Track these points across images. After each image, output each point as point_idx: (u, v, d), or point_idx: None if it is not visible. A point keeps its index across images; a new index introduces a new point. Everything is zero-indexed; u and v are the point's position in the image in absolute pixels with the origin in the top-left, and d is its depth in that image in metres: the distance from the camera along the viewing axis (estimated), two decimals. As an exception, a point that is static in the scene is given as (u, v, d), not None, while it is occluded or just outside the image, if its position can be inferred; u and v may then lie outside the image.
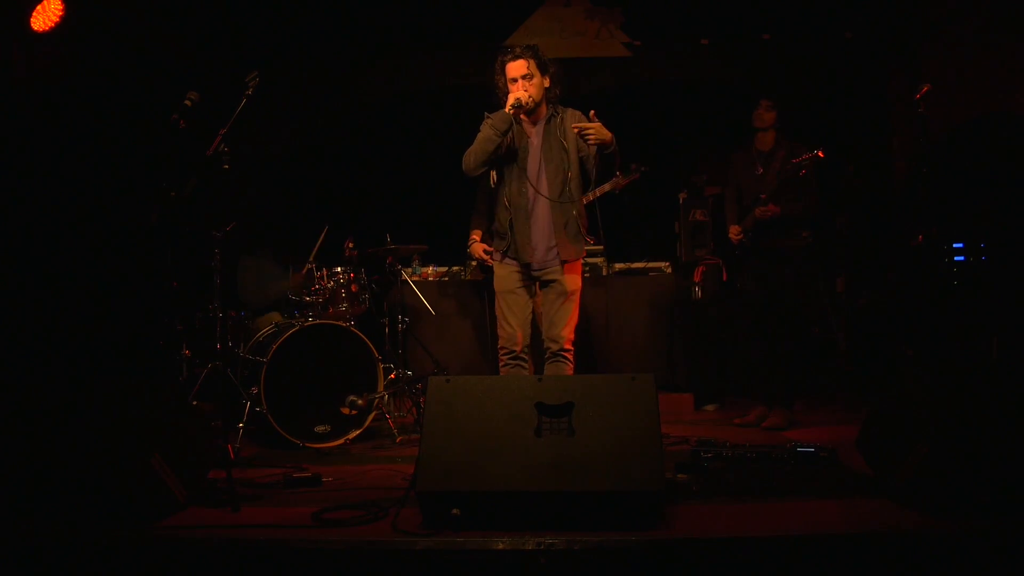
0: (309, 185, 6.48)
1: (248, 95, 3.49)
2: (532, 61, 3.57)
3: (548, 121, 3.65)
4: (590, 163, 3.63)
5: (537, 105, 3.61)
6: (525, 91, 3.54)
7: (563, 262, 3.63)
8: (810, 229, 4.52)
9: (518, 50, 3.59)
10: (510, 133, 3.59)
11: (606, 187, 4.77)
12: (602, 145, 3.49)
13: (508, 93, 3.58)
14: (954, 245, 4.78)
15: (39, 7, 4.30)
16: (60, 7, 4.35)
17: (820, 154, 4.16)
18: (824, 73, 6.16)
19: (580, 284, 3.70)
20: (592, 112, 3.53)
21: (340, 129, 6.56)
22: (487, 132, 3.53)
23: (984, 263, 4.69)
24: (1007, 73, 5.03)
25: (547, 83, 3.63)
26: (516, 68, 3.57)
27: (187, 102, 3.45)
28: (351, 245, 4.96)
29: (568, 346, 3.65)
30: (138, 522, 2.54)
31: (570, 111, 3.67)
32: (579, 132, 3.47)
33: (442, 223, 5.90)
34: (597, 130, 3.44)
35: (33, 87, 4.47)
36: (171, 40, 5.48)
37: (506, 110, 3.51)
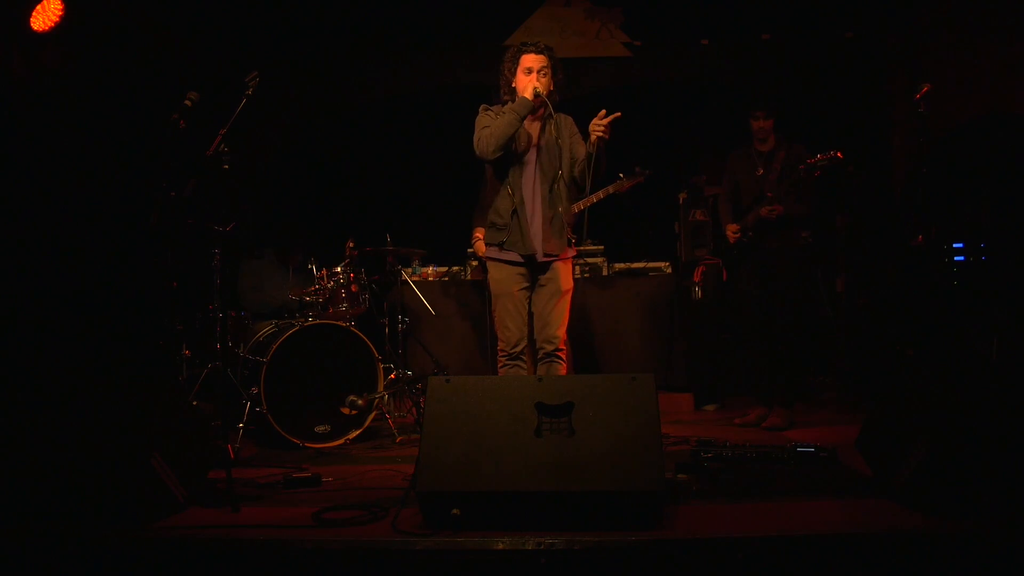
0: (309, 185, 6.48)
1: (248, 95, 3.49)
2: (549, 60, 3.67)
3: (546, 120, 3.73)
4: (578, 168, 3.69)
5: (543, 103, 3.67)
6: (540, 82, 3.61)
7: (553, 256, 3.66)
8: (810, 229, 4.51)
9: (541, 44, 3.69)
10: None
11: (610, 189, 4.68)
12: (597, 144, 3.53)
13: (516, 82, 3.67)
14: (954, 245, 4.78)
15: (39, 7, 4.30)
16: (60, 7, 4.35)
17: (839, 155, 4.13)
18: (824, 73, 6.16)
19: (572, 284, 3.74)
20: (603, 112, 3.57)
21: (340, 129, 6.56)
22: (509, 117, 3.58)
23: (984, 263, 4.68)
24: (1007, 73, 5.02)
25: (552, 85, 3.70)
26: (536, 60, 3.65)
27: (187, 102, 3.44)
28: (351, 245, 4.96)
29: (562, 346, 3.71)
30: (138, 522, 2.54)
31: (563, 116, 3.76)
32: (595, 122, 3.51)
33: (442, 223, 5.90)
34: (606, 129, 3.50)
35: (33, 87, 4.46)
36: (171, 40, 5.47)
37: (528, 96, 3.59)
